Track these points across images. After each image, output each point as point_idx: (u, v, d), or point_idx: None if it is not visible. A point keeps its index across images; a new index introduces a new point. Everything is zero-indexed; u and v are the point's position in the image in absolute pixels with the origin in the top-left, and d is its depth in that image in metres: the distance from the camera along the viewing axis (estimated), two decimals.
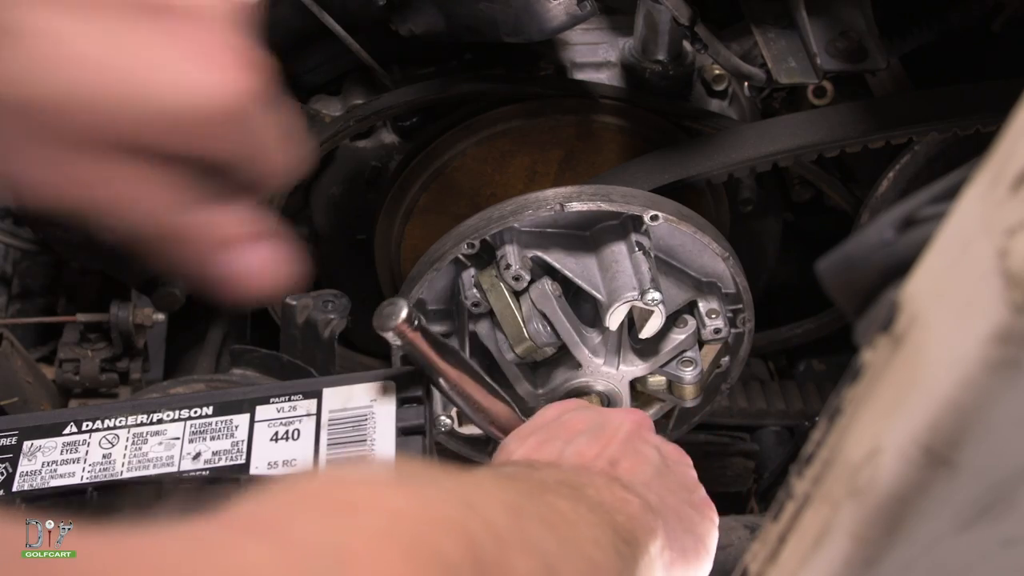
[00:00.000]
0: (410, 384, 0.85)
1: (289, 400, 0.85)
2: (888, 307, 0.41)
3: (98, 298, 1.33)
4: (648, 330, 1.05)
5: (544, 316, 1.05)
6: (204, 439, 0.83)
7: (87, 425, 0.84)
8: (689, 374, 1.09)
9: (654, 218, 1.05)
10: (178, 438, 0.83)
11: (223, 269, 0.57)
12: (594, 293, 1.04)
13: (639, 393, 1.12)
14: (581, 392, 1.08)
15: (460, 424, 1.11)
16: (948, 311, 0.38)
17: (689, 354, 1.10)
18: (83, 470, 0.82)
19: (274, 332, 1.17)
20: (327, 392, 0.85)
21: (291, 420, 0.84)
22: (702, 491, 0.82)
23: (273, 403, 0.85)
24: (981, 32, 1.23)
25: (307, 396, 0.85)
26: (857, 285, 0.45)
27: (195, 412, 0.85)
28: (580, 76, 1.23)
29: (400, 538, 0.47)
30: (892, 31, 1.19)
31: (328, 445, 0.82)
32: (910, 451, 0.38)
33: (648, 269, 1.03)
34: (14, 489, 0.81)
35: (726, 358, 1.15)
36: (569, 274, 1.05)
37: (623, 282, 1.03)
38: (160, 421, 0.84)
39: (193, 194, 0.55)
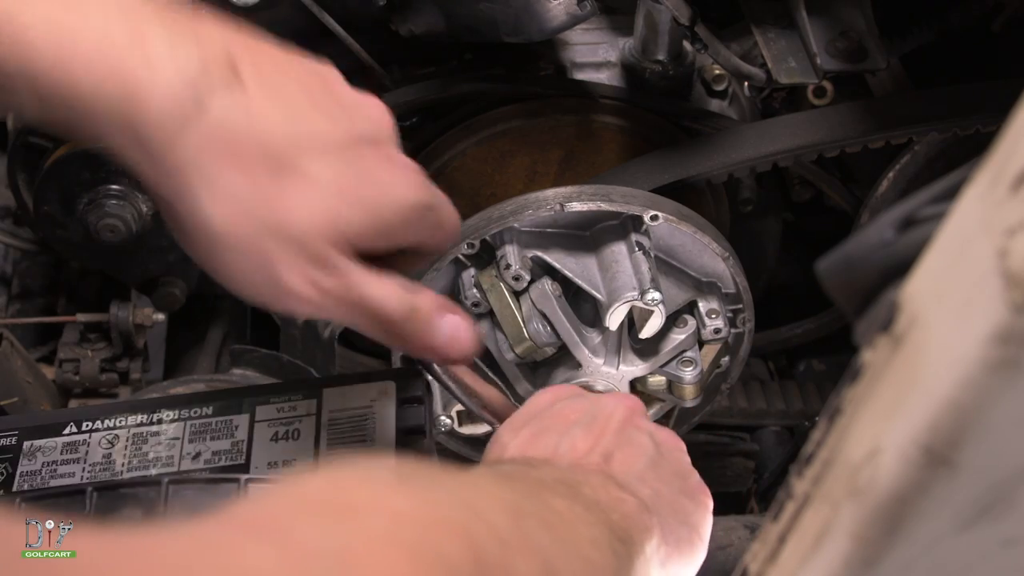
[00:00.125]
0: (410, 384, 0.85)
1: (289, 400, 0.85)
2: (888, 307, 0.41)
3: (98, 298, 1.33)
4: (648, 330, 1.05)
5: (544, 316, 1.05)
6: (204, 439, 0.83)
7: (87, 425, 0.84)
8: (689, 374, 1.09)
9: (654, 218, 1.05)
10: (178, 438, 0.83)
11: (439, 339, 0.73)
12: (594, 293, 1.05)
13: (639, 393, 1.12)
14: None
15: (460, 424, 1.12)
16: (948, 311, 0.38)
17: (689, 354, 1.10)
18: (83, 470, 0.82)
19: (274, 332, 1.17)
20: (327, 392, 0.85)
21: (291, 420, 0.84)
22: (695, 476, 0.82)
23: (273, 403, 0.85)
24: (981, 32, 1.23)
25: (307, 396, 0.85)
26: (857, 285, 0.45)
27: (195, 412, 0.85)
28: (580, 76, 1.23)
29: (402, 540, 0.47)
30: (892, 31, 1.19)
31: (328, 445, 0.82)
32: (910, 451, 0.38)
33: (648, 269, 1.03)
34: (14, 489, 0.81)
35: (726, 358, 1.15)
36: (569, 274, 1.05)
37: (623, 282, 1.03)
38: (160, 421, 0.84)
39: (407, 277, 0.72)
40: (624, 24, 1.25)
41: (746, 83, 1.24)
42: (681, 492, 0.78)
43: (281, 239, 0.66)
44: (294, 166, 0.66)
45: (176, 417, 0.84)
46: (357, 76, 1.24)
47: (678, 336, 1.09)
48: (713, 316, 1.10)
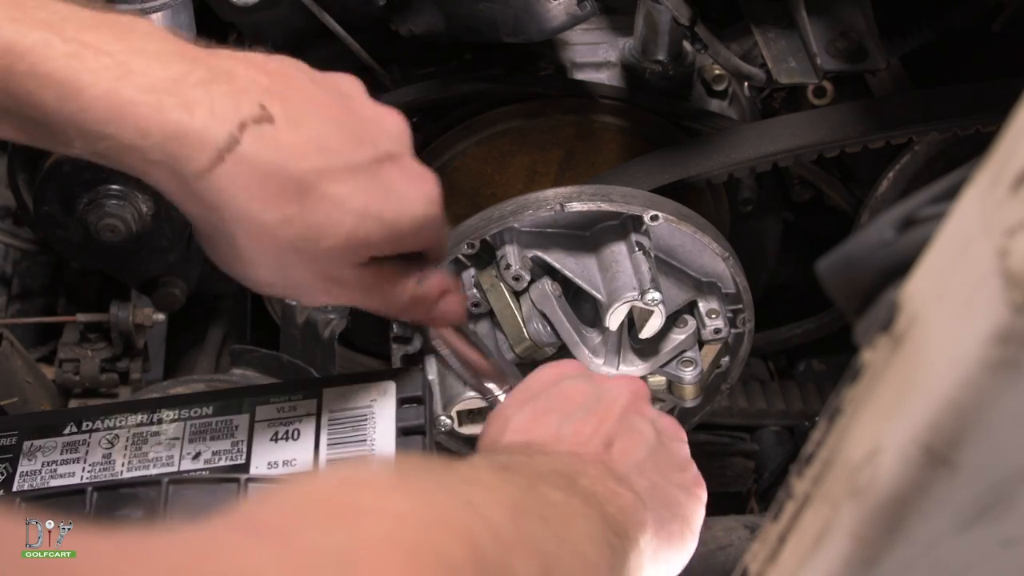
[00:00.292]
0: (410, 384, 0.85)
1: (289, 400, 0.85)
2: (888, 307, 0.41)
3: (98, 298, 1.33)
4: (648, 330, 1.05)
5: (544, 316, 1.05)
6: (204, 439, 0.83)
7: (87, 425, 0.84)
8: (689, 374, 1.09)
9: (654, 218, 1.05)
10: (178, 438, 0.83)
11: (438, 314, 0.83)
12: (594, 293, 1.05)
13: None
14: None
15: (460, 424, 1.12)
16: (948, 311, 0.38)
17: (689, 354, 1.10)
18: (83, 470, 0.82)
19: (274, 332, 1.17)
20: (327, 392, 0.85)
21: (291, 420, 0.84)
22: (693, 468, 0.83)
23: (273, 403, 0.85)
24: (981, 32, 1.23)
25: (307, 396, 0.85)
26: (857, 285, 0.45)
27: (195, 412, 0.85)
28: (580, 76, 1.23)
29: (403, 542, 0.47)
30: (892, 31, 1.19)
31: (328, 445, 0.82)
32: (910, 451, 0.38)
33: (648, 269, 1.03)
34: (14, 489, 0.81)
35: (726, 358, 1.15)
36: (569, 274, 1.05)
37: (623, 282, 1.03)
38: (160, 421, 0.84)
39: (412, 274, 0.80)
40: (624, 24, 1.25)
41: (746, 83, 1.24)
42: (677, 485, 0.80)
43: (303, 256, 0.73)
44: (320, 191, 0.72)
45: (176, 417, 0.84)
46: (357, 76, 1.24)
47: (678, 336, 1.09)
48: (713, 316, 1.10)
